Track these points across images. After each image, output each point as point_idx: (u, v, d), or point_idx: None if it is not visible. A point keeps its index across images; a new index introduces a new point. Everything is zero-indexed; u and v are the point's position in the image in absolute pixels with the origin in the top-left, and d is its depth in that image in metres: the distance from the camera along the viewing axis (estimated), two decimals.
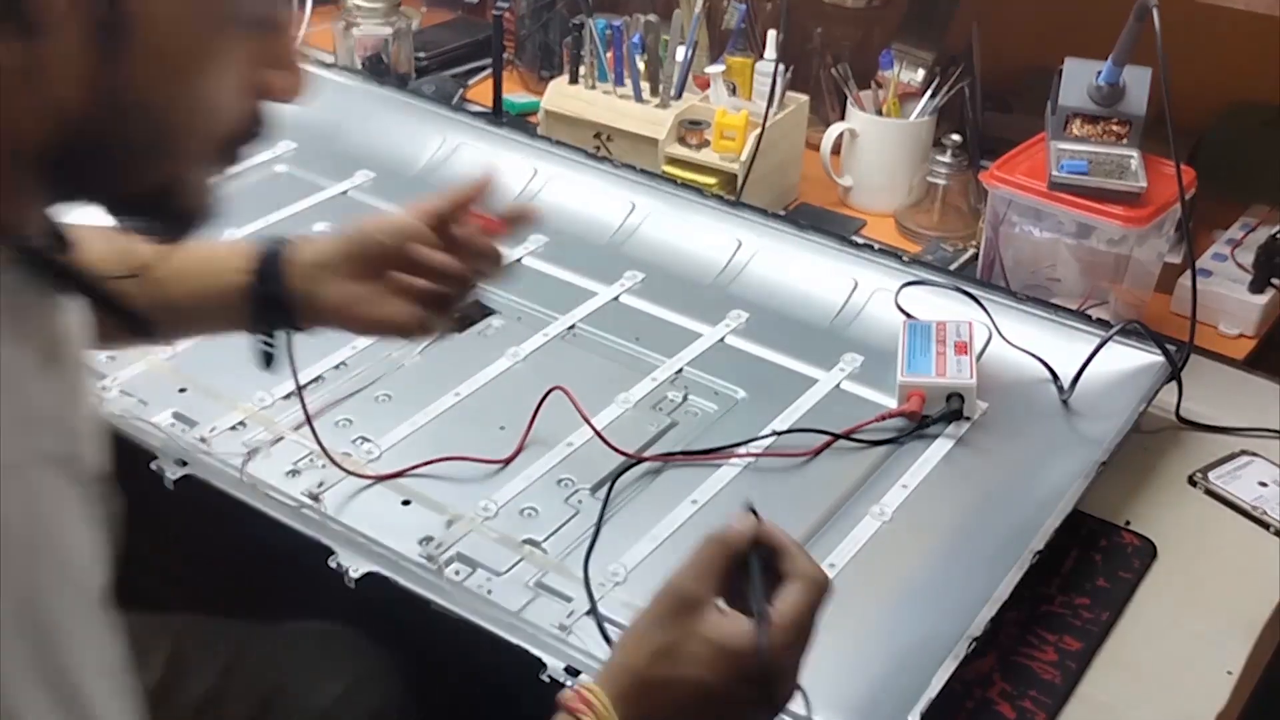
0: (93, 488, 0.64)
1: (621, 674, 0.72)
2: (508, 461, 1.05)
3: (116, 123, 0.61)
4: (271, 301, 0.94)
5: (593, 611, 0.90)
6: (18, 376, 0.60)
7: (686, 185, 1.41)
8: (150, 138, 0.63)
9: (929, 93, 1.50)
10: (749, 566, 0.73)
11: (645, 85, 1.54)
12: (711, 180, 1.47)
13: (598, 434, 1.06)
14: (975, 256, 1.41)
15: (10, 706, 0.55)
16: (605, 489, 1.03)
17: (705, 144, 1.49)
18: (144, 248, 0.78)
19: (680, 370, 1.18)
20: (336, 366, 1.15)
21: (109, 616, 0.62)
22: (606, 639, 0.88)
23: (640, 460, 1.04)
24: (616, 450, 1.05)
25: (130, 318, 0.71)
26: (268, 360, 0.96)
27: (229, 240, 0.99)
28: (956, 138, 1.47)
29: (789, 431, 1.09)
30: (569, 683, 0.81)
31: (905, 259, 1.29)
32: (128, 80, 0.60)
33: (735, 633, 0.71)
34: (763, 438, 1.09)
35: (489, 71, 1.74)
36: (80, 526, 0.62)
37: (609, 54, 1.54)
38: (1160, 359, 1.14)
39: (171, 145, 0.64)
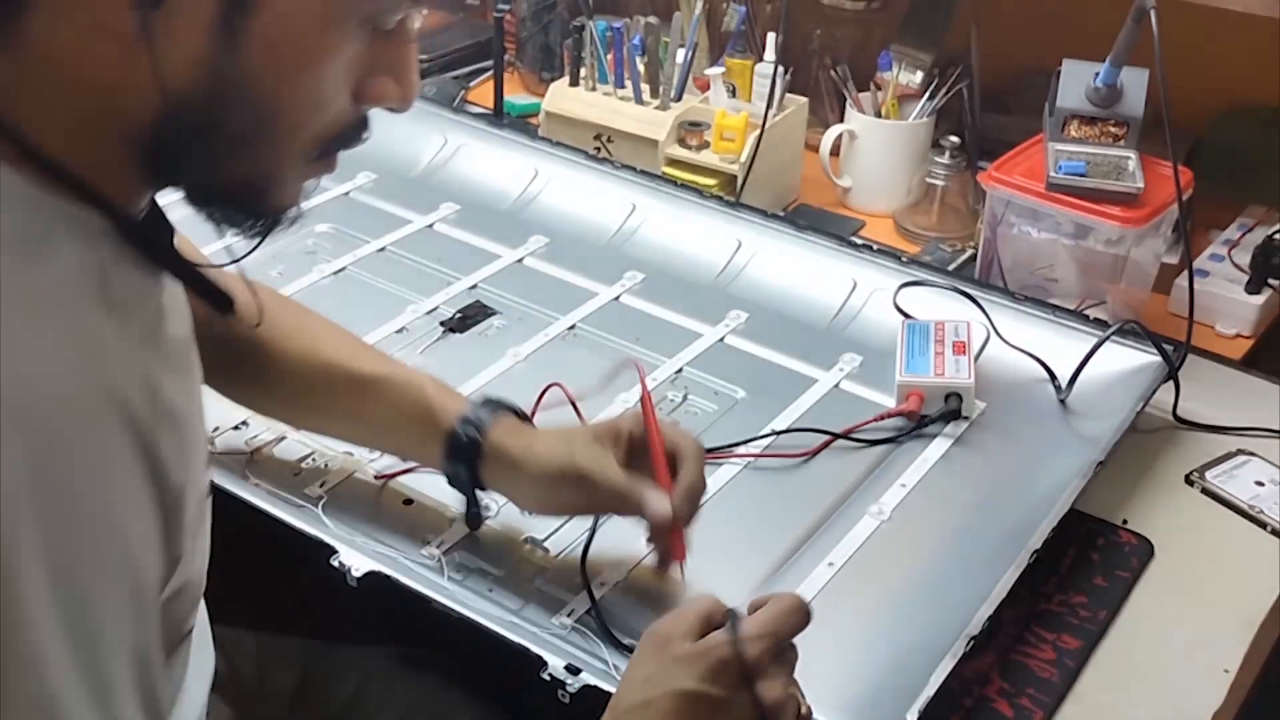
0: (169, 476, 0.63)
1: (608, 712, 0.74)
2: None
3: (222, 106, 0.60)
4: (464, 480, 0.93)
5: (593, 610, 0.91)
6: (98, 337, 0.60)
7: (686, 186, 1.42)
8: (253, 126, 0.62)
9: (927, 94, 1.51)
10: (730, 618, 0.75)
11: (645, 87, 1.54)
12: (711, 181, 1.48)
13: None
14: (973, 257, 1.41)
15: (34, 656, 0.54)
16: None
17: (705, 145, 1.49)
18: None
19: (680, 370, 1.18)
20: None
21: (150, 601, 0.62)
22: (607, 637, 0.88)
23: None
24: None
25: (219, 298, 0.71)
26: (473, 521, 0.96)
27: (430, 392, 0.94)
28: (955, 139, 1.47)
29: (788, 431, 1.10)
30: (569, 681, 0.82)
31: (904, 259, 1.30)
32: (240, 65, 0.59)
33: (708, 639, 0.73)
34: (762, 437, 1.09)
35: (490, 73, 1.74)
36: (135, 499, 0.60)
37: (609, 56, 1.54)
38: (1158, 359, 1.15)
39: (272, 137, 0.63)
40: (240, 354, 0.96)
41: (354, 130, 0.67)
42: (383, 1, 0.63)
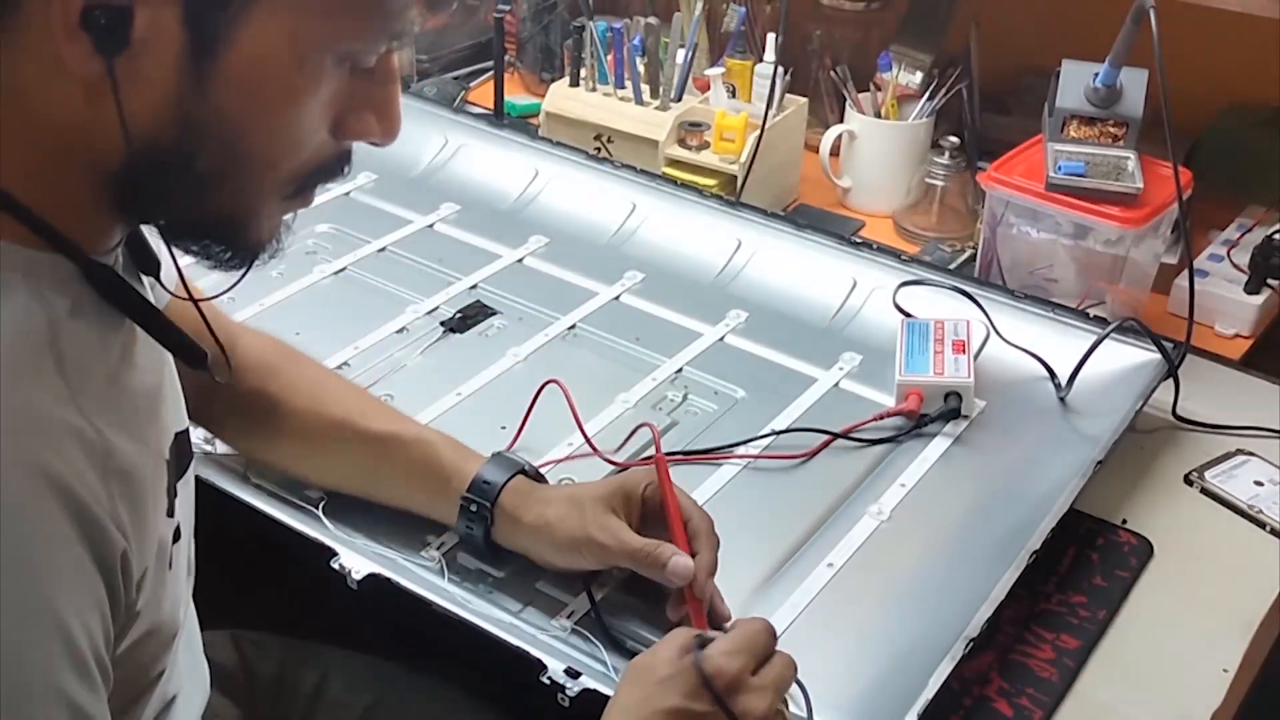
0: (112, 543, 0.61)
1: None
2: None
3: (193, 146, 0.60)
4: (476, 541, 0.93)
5: (593, 612, 0.91)
6: (35, 411, 0.58)
7: (686, 185, 1.42)
8: (227, 165, 0.61)
9: (927, 95, 1.51)
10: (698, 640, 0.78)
11: (645, 87, 1.54)
12: (711, 182, 1.48)
13: (587, 440, 1.06)
14: (973, 257, 1.41)
15: None
16: None
17: (705, 146, 1.49)
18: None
19: (680, 370, 1.19)
20: (339, 366, 1.16)
21: (94, 665, 0.60)
22: (607, 640, 0.89)
23: (626, 467, 1.04)
24: (606, 460, 1.05)
25: (188, 350, 0.70)
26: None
27: (440, 453, 0.94)
28: (954, 139, 1.47)
29: (788, 431, 1.10)
30: (569, 685, 0.82)
31: (903, 258, 1.30)
32: (210, 106, 0.59)
33: (688, 659, 0.75)
34: (761, 437, 1.09)
35: (490, 73, 1.74)
36: (71, 574, 0.59)
37: (609, 56, 1.54)
38: (1157, 356, 1.15)
39: (246, 176, 0.62)
40: (246, 409, 0.96)
41: (334, 164, 0.66)
42: (358, 42, 0.62)
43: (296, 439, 0.97)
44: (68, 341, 0.61)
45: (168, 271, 0.76)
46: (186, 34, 0.57)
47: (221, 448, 1.03)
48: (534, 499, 0.91)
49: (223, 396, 0.93)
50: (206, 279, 0.75)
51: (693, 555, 0.86)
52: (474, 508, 0.91)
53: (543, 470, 1.03)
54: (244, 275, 0.68)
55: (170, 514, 0.71)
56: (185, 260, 0.70)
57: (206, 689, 0.90)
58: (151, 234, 0.71)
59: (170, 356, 0.74)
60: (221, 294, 0.72)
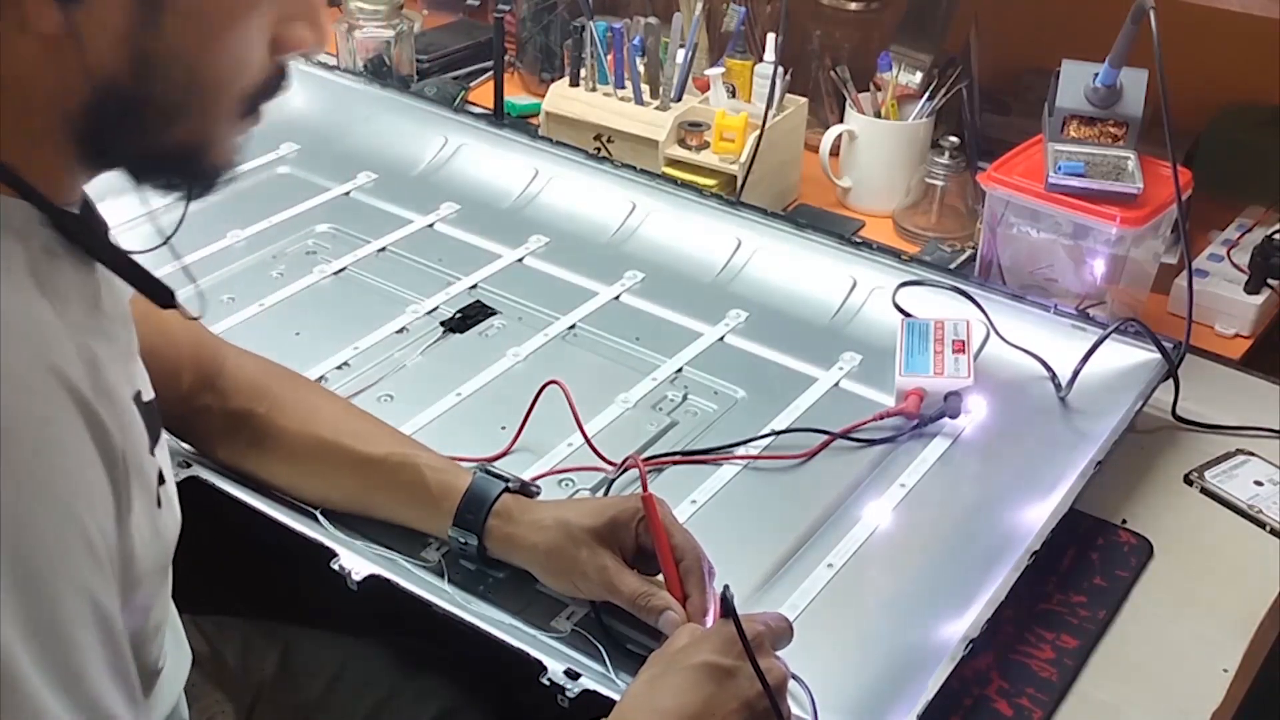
0: (115, 447, 0.63)
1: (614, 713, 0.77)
2: (500, 456, 1.05)
3: (151, 83, 0.62)
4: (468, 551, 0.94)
5: (593, 613, 0.91)
6: (35, 318, 0.61)
7: (686, 185, 1.42)
8: (183, 95, 0.64)
9: (927, 95, 1.51)
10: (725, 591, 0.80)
11: (645, 87, 1.54)
12: (711, 182, 1.48)
13: (587, 441, 1.06)
14: (973, 257, 1.41)
15: None
16: (604, 490, 1.03)
17: (705, 146, 1.49)
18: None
19: (680, 370, 1.19)
20: (339, 367, 1.16)
21: (108, 567, 0.62)
22: (607, 640, 0.89)
23: (626, 469, 1.04)
24: (605, 460, 1.05)
25: (157, 289, 0.72)
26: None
27: (428, 475, 0.94)
28: (954, 139, 1.47)
29: (788, 431, 1.10)
30: (569, 686, 0.82)
31: (903, 258, 1.30)
32: (164, 38, 0.61)
33: (709, 629, 0.80)
34: (761, 437, 1.09)
35: (490, 74, 1.74)
36: (87, 471, 0.61)
37: (609, 56, 1.54)
38: (1157, 356, 1.15)
39: (203, 102, 0.65)
40: (233, 428, 0.97)
41: (276, 81, 0.69)
42: None
43: (286, 460, 0.97)
44: (45, 274, 0.63)
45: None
46: None
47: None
48: (524, 524, 0.91)
49: (212, 415, 0.95)
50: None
51: (685, 596, 0.87)
52: (460, 541, 0.92)
53: (544, 470, 1.04)
54: (183, 218, 0.71)
55: (152, 453, 0.72)
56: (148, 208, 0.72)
57: (188, 659, 0.90)
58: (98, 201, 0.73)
59: (131, 320, 0.75)
60: (170, 237, 0.74)
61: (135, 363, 0.75)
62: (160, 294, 0.72)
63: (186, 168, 0.68)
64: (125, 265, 0.70)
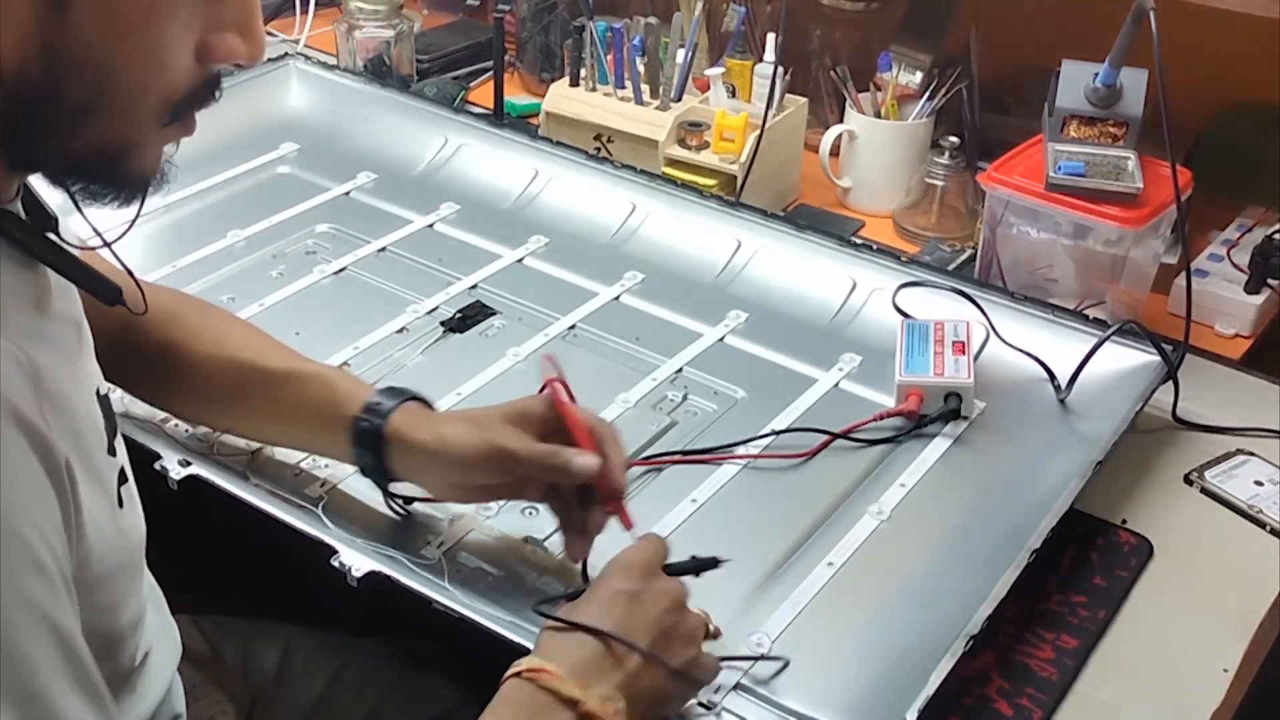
0: (58, 458, 0.62)
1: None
2: None
3: (61, 78, 0.60)
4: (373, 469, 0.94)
5: None
6: None
7: (686, 185, 1.42)
8: (95, 96, 0.62)
9: (927, 95, 1.51)
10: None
11: (645, 87, 1.54)
12: (711, 182, 1.48)
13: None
14: (973, 257, 1.41)
15: None
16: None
17: (705, 146, 1.49)
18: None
19: (680, 370, 1.19)
20: (339, 366, 1.16)
21: (62, 581, 0.61)
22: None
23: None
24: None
25: (102, 287, 0.71)
26: (396, 512, 0.98)
27: (336, 384, 0.95)
28: (954, 139, 1.47)
29: (787, 431, 1.10)
30: None
31: (903, 259, 1.30)
32: (73, 35, 0.59)
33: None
34: (761, 437, 1.09)
35: (490, 74, 1.74)
36: (36, 495, 0.60)
37: (609, 56, 1.54)
38: (1157, 359, 1.15)
39: (117, 104, 0.63)
40: (152, 359, 0.96)
41: (205, 90, 0.67)
42: None
43: (200, 384, 0.97)
44: None
45: (66, 230, 0.76)
46: None
47: (220, 445, 1.03)
48: (430, 420, 0.92)
49: (126, 351, 0.92)
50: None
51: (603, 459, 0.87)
52: (364, 425, 0.91)
53: None
54: (139, 213, 0.69)
55: (112, 453, 0.71)
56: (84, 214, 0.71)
57: (178, 647, 0.90)
58: (47, 191, 0.72)
59: (83, 318, 0.74)
60: (119, 238, 0.74)
61: (87, 361, 0.73)
62: (105, 291, 0.71)
63: (108, 173, 0.66)
64: (67, 263, 0.69)
